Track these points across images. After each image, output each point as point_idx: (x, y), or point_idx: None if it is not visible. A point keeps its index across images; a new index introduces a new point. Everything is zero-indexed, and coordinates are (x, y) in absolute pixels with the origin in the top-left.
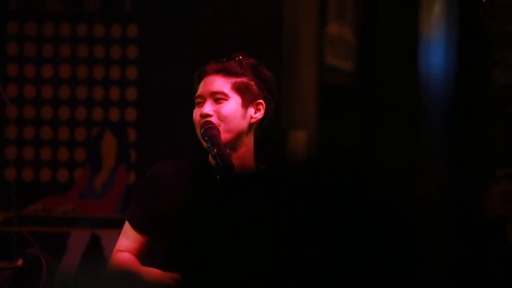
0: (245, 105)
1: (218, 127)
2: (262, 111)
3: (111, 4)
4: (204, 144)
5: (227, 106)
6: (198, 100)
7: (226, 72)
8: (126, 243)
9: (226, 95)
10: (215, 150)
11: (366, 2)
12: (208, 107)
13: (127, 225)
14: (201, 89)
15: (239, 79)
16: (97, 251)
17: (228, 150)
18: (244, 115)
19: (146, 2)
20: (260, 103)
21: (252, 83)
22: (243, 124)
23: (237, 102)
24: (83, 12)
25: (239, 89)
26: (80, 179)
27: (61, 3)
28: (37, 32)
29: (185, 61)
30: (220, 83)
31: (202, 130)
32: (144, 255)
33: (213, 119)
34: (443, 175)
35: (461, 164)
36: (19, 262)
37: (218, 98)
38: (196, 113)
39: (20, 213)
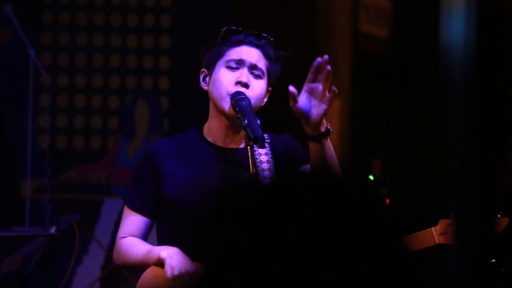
0: (266, 89)
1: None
2: (267, 99)
3: None
4: (232, 111)
5: (261, 85)
6: (234, 64)
7: (264, 51)
8: (129, 228)
9: (263, 74)
10: (246, 121)
11: None
12: (247, 77)
13: (126, 210)
14: (240, 54)
15: (272, 64)
16: None
17: (258, 121)
18: (263, 98)
19: None
20: (269, 91)
21: (276, 71)
22: (260, 105)
23: (265, 84)
24: None
25: (269, 73)
26: (113, 147)
27: None
28: (71, 1)
29: (219, 31)
30: (261, 60)
31: (234, 99)
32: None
33: (247, 92)
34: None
35: (481, 133)
36: (53, 229)
37: (257, 74)
38: (230, 76)
39: (53, 180)
